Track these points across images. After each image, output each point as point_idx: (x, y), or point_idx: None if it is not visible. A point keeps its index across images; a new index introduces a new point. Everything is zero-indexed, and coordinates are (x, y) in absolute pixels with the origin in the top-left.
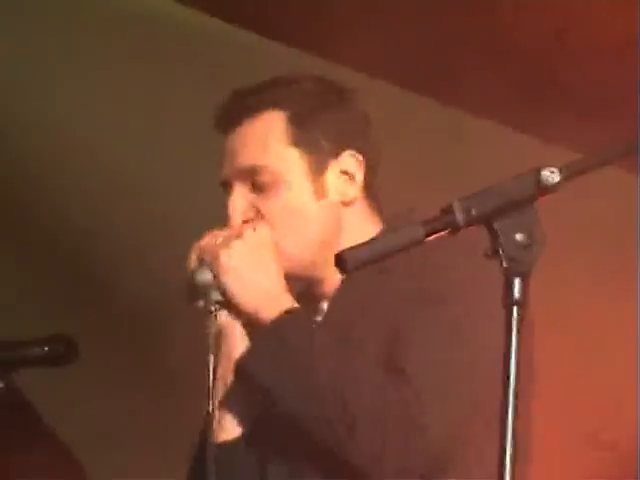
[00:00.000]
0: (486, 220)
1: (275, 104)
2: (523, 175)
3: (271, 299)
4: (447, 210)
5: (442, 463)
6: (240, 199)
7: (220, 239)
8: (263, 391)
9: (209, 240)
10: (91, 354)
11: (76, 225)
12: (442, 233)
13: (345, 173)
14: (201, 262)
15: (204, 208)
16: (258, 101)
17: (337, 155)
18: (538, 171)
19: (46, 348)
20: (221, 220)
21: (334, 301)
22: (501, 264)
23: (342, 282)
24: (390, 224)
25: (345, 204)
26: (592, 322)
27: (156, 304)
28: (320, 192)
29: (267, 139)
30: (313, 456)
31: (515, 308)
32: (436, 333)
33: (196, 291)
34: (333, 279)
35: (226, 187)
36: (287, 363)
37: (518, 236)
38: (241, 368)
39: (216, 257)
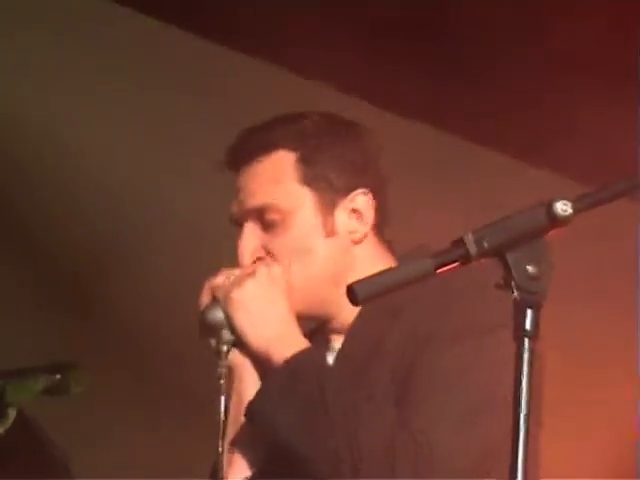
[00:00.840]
0: (498, 252)
1: (284, 143)
2: (535, 207)
3: (282, 338)
4: (458, 242)
5: None
6: (250, 238)
7: (232, 277)
8: (272, 432)
9: (221, 278)
10: (102, 383)
11: (88, 255)
12: (453, 265)
13: (355, 211)
14: (213, 300)
15: (215, 233)
16: (267, 140)
17: (347, 193)
18: (550, 203)
19: (57, 376)
20: (233, 248)
21: (347, 339)
22: (513, 295)
23: (355, 320)
24: (401, 261)
25: (355, 242)
26: (593, 344)
27: (171, 334)
28: (329, 230)
29: (276, 178)
30: None
31: (527, 340)
32: (447, 374)
33: (208, 329)
34: (344, 316)
35: (236, 225)
36: (297, 404)
37: (530, 268)
38: (250, 409)
39: (228, 295)
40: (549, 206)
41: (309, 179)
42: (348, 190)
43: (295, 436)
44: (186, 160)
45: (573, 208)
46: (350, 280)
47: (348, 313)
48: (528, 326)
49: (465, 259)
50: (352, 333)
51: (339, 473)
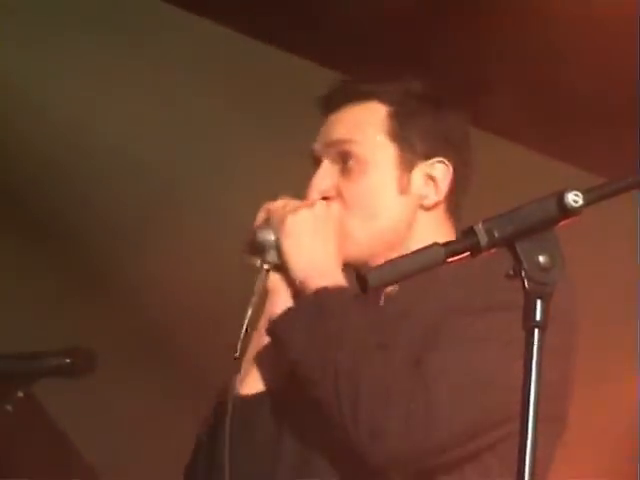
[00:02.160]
0: (509, 242)
1: (380, 96)
2: (546, 198)
3: (322, 272)
4: (469, 232)
5: (442, 466)
6: (326, 175)
7: (291, 204)
8: (286, 352)
9: (280, 204)
10: (109, 366)
11: (96, 239)
12: (463, 255)
13: (431, 177)
14: (267, 222)
15: (224, 225)
16: (364, 90)
17: (427, 158)
18: (562, 194)
19: (67, 360)
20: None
21: (386, 297)
22: (523, 286)
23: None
24: None
25: (424, 207)
26: (593, 344)
27: (175, 319)
28: (403, 188)
29: (365, 123)
30: (323, 429)
31: (537, 330)
32: (463, 343)
33: (255, 248)
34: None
35: (315, 161)
36: (315, 333)
37: (541, 258)
38: (272, 326)
39: (282, 220)
40: (560, 197)
41: (395, 135)
42: (429, 156)
43: (306, 362)
44: (203, 148)
45: (584, 199)
46: (407, 243)
47: None
48: (538, 317)
49: (475, 249)
50: (391, 293)
51: (339, 408)
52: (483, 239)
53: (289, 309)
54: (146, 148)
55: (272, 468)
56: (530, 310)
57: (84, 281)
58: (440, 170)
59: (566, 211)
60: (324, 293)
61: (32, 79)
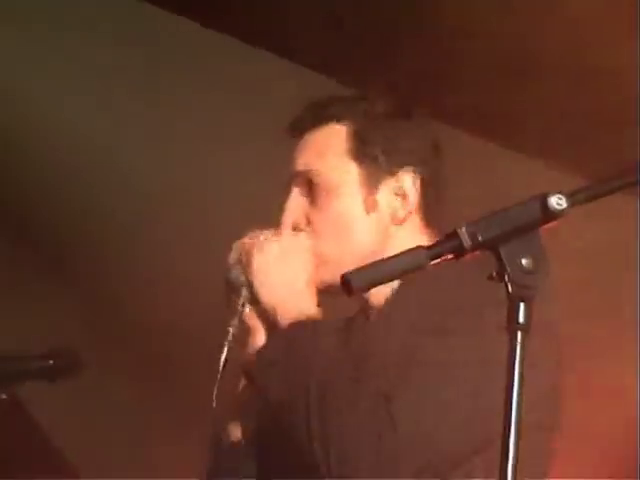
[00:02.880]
0: (492, 245)
1: (339, 117)
2: (529, 200)
3: (291, 302)
4: (452, 235)
5: None
6: (295, 203)
7: (257, 239)
8: (262, 392)
9: (247, 241)
10: (95, 367)
11: (86, 239)
12: (447, 257)
13: (398, 192)
14: (238, 260)
15: (212, 230)
16: (324, 113)
17: (393, 174)
18: (545, 197)
19: (51, 362)
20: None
21: (369, 324)
22: (506, 289)
23: (383, 307)
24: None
25: (395, 222)
26: (592, 344)
27: (164, 318)
28: (371, 206)
29: (326, 148)
30: (299, 467)
31: (519, 333)
32: (434, 370)
33: (230, 287)
34: (375, 296)
35: (288, 187)
36: (287, 371)
37: (524, 261)
38: (247, 371)
39: (249, 258)
40: (543, 200)
41: (357, 154)
42: (394, 171)
43: (280, 399)
44: (195, 147)
45: (568, 202)
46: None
47: (379, 295)
48: (521, 319)
49: (459, 251)
50: (376, 320)
51: (310, 446)
52: (466, 242)
53: (259, 350)
54: (134, 150)
55: None
56: (513, 313)
57: (68, 282)
58: (407, 183)
59: (550, 214)
60: (293, 328)
61: (30, 86)
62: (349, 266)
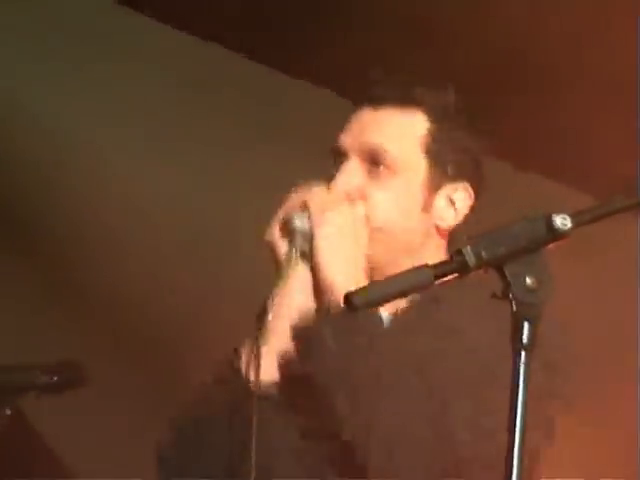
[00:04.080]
0: (497, 264)
1: (426, 110)
2: (534, 219)
3: (350, 277)
4: (457, 253)
5: None
6: (353, 173)
7: (330, 199)
8: (312, 364)
9: (319, 194)
10: (99, 381)
11: (87, 252)
12: (451, 276)
13: (452, 201)
14: (303, 209)
15: (216, 239)
16: (412, 97)
17: (454, 181)
18: (550, 217)
19: (55, 376)
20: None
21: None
22: (511, 308)
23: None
24: None
25: (439, 229)
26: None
27: (167, 331)
28: (426, 206)
29: (406, 133)
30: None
31: (524, 353)
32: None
33: (288, 232)
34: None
35: (338, 155)
36: (345, 350)
37: (528, 280)
38: (302, 334)
39: (322, 212)
40: (549, 219)
41: (431, 153)
42: (456, 179)
43: (329, 381)
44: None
45: (572, 222)
46: (412, 262)
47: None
48: (525, 339)
49: (463, 270)
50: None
51: (354, 440)
52: (471, 260)
53: (321, 323)
54: (126, 155)
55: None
56: (517, 332)
57: (67, 292)
58: (462, 196)
59: (555, 234)
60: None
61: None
62: (382, 256)
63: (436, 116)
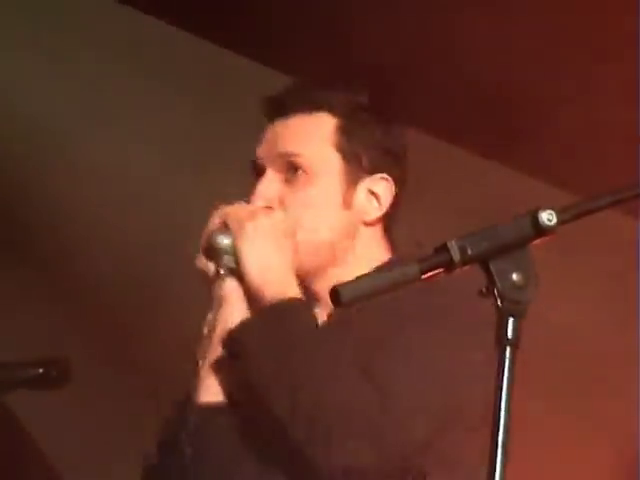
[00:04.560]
0: (482, 260)
1: (331, 107)
2: (520, 216)
3: (279, 281)
4: (443, 249)
5: (404, 469)
6: (270, 184)
7: (247, 210)
8: (244, 364)
9: (237, 208)
10: (83, 376)
11: (71, 248)
12: (437, 272)
13: (373, 193)
14: (223, 226)
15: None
16: (315, 99)
17: (371, 173)
18: (536, 213)
19: (40, 370)
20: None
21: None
22: (496, 304)
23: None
24: (399, 256)
25: (365, 223)
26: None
27: (149, 327)
28: (347, 202)
29: (315, 135)
30: (281, 445)
31: (508, 348)
32: (416, 349)
33: (212, 252)
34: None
35: (256, 169)
36: (274, 346)
37: (514, 276)
38: (230, 340)
39: (241, 225)
40: (534, 216)
41: (343, 149)
42: (373, 171)
43: (263, 374)
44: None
45: (558, 218)
46: (346, 258)
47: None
48: (510, 335)
49: (449, 266)
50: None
51: (293, 425)
52: (456, 256)
53: (247, 321)
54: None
55: None
56: (502, 328)
57: (47, 285)
58: (383, 186)
59: (540, 230)
60: (283, 305)
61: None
62: (310, 259)
63: (344, 114)
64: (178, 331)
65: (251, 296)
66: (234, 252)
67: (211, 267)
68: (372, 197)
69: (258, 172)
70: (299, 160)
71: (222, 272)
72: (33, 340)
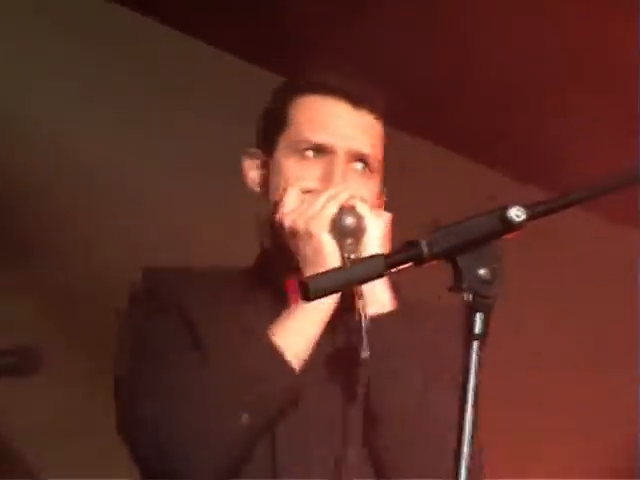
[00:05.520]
0: (450, 255)
1: (383, 115)
2: (490, 212)
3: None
4: (412, 244)
5: None
6: (344, 172)
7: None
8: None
9: (347, 192)
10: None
11: (43, 234)
12: (405, 266)
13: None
14: (352, 209)
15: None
16: (378, 102)
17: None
18: (505, 209)
19: (13, 359)
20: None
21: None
22: (464, 298)
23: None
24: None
25: None
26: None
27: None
28: (379, 201)
29: (381, 139)
30: None
31: (475, 342)
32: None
33: (338, 231)
34: None
35: (316, 149)
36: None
37: (482, 271)
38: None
39: (372, 212)
40: (503, 212)
41: (384, 158)
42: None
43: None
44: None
45: (526, 214)
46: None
47: None
48: (477, 329)
49: (417, 260)
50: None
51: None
52: (425, 251)
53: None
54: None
55: None
56: (470, 322)
57: (31, 279)
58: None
59: (509, 226)
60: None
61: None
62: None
63: (384, 122)
64: None
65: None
66: (358, 234)
67: (333, 244)
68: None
69: (317, 151)
70: (371, 160)
71: (351, 257)
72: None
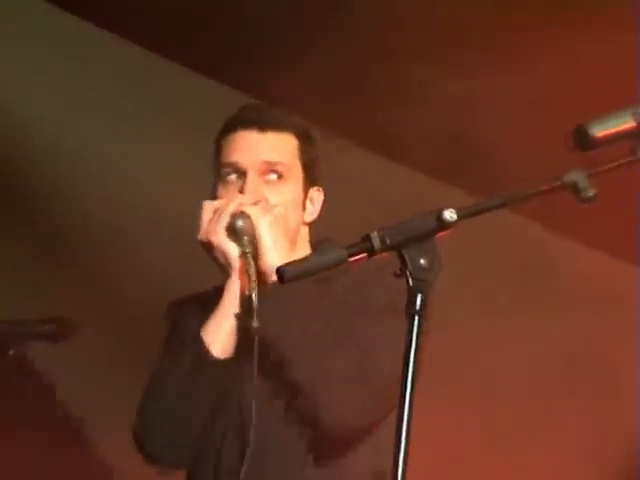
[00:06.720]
0: (397, 247)
1: (293, 130)
2: (429, 213)
3: (289, 258)
4: (366, 238)
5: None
6: (256, 184)
7: (260, 204)
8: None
9: (248, 198)
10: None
11: (77, 219)
12: (362, 256)
13: (312, 201)
14: (241, 213)
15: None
16: (283, 122)
17: (313, 185)
18: (440, 211)
19: (47, 327)
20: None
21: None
22: (407, 282)
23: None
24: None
25: (305, 223)
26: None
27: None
28: (302, 205)
29: (289, 150)
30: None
31: (417, 317)
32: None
33: (234, 233)
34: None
35: (235, 171)
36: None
37: (422, 261)
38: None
39: (262, 214)
40: (439, 213)
41: (303, 163)
42: (314, 183)
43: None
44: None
45: (458, 215)
46: (291, 251)
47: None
48: (418, 307)
49: (370, 252)
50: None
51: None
52: (377, 244)
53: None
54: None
55: None
56: (412, 301)
57: (54, 250)
58: (317, 196)
59: (443, 224)
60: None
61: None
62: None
63: (300, 136)
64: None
65: (265, 269)
66: (252, 234)
67: (233, 245)
68: (311, 203)
69: (237, 173)
70: (280, 167)
71: (247, 251)
72: (37, 303)
